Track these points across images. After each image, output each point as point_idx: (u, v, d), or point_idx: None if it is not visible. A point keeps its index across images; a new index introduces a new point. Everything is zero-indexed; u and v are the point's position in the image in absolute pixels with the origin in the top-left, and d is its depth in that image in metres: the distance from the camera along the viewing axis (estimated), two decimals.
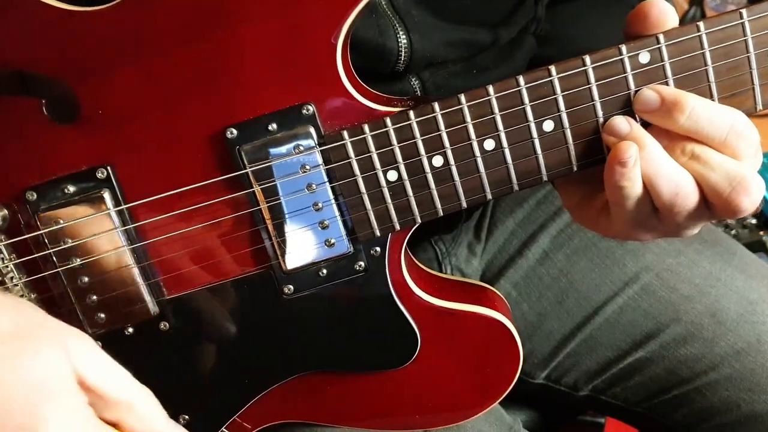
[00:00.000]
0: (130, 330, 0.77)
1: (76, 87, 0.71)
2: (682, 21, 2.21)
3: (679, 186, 0.69)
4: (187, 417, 0.80)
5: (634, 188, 0.70)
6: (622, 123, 0.71)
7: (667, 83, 0.71)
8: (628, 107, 0.71)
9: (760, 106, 0.72)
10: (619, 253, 1.06)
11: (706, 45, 0.70)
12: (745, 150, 0.69)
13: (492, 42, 0.90)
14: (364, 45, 0.79)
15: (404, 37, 0.82)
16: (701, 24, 0.69)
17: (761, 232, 1.84)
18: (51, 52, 0.71)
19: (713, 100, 0.71)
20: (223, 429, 0.82)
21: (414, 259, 0.84)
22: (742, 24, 0.69)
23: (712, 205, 0.71)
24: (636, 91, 0.71)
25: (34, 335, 0.63)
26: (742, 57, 0.70)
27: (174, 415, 0.78)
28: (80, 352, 0.64)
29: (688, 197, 0.70)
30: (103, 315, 0.76)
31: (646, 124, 0.72)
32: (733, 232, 1.82)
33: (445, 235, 1.06)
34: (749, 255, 1.09)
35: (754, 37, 0.69)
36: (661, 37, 0.69)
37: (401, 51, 0.82)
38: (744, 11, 0.69)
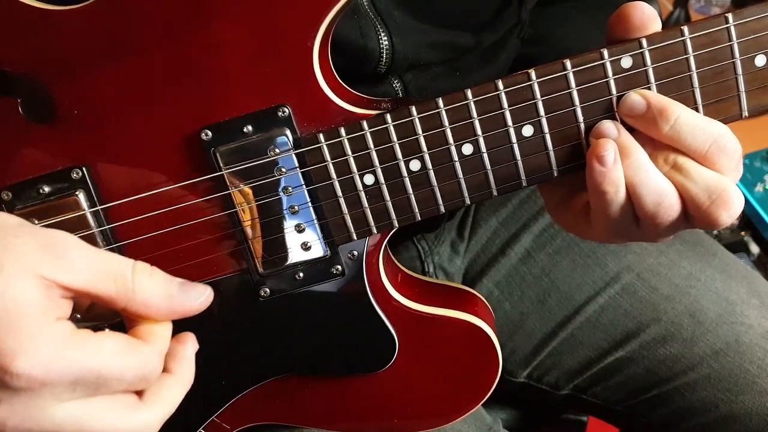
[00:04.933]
0: (107, 330, 0.72)
1: (51, 86, 0.67)
2: (667, 22, 2.18)
3: (662, 196, 0.65)
4: None
5: (617, 194, 0.66)
6: (610, 128, 0.67)
7: (650, 88, 0.66)
8: (609, 112, 0.67)
9: (745, 113, 0.68)
10: (600, 253, 1.03)
11: (690, 50, 0.65)
12: (727, 164, 0.65)
13: (475, 45, 0.87)
14: (345, 46, 0.75)
15: (386, 38, 0.78)
16: (685, 28, 0.65)
17: (743, 233, 1.81)
18: (25, 50, 0.66)
19: (697, 106, 0.67)
20: (200, 430, 0.78)
21: (395, 261, 0.80)
22: (728, 29, 0.65)
23: (692, 217, 0.67)
24: (618, 97, 0.67)
25: None
26: (727, 62, 0.66)
27: None
28: (46, 259, 0.55)
29: (671, 208, 0.66)
30: (78, 315, 0.71)
31: (630, 130, 0.67)
32: (714, 232, 1.79)
33: (427, 234, 1.03)
34: (729, 256, 1.06)
35: (740, 42, 0.65)
36: (644, 42, 0.65)
37: (383, 52, 0.78)
38: (729, 15, 0.64)
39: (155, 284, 0.60)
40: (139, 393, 0.60)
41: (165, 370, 0.62)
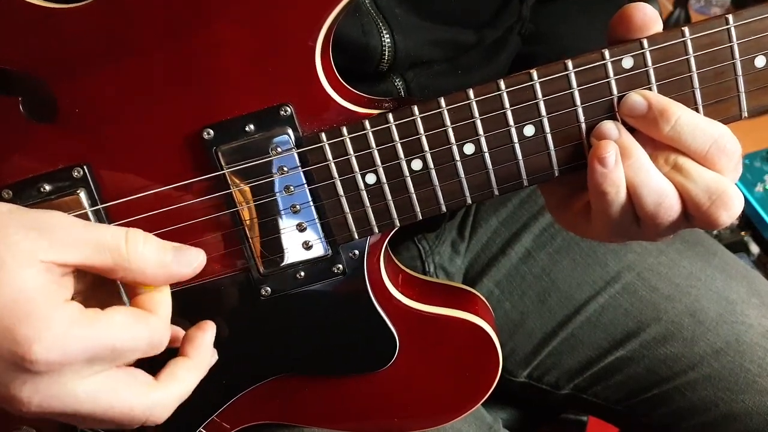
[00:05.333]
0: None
1: (52, 85, 0.67)
2: (667, 22, 2.18)
3: (662, 197, 0.65)
4: None
5: (618, 195, 0.66)
6: (611, 128, 0.67)
7: (650, 89, 0.66)
8: (610, 112, 0.67)
9: (745, 114, 0.67)
10: (601, 253, 1.03)
11: (690, 50, 0.65)
12: (727, 164, 0.66)
13: (476, 42, 0.86)
14: (347, 44, 0.75)
15: (388, 36, 0.77)
16: (686, 29, 0.65)
17: (743, 233, 1.81)
18: (26, 49, 0.66)
19: (698, 106, 0.67)
20: (201, 429, 0.78)
21: (395, 260, 0.80)
22: (728, 30, 0.65)
23: (692, 217, 0.67)
24: (619, 97, 0.67)
25: None
26: (727, 63, 0.66)
27: None
28: (40, 242, 0.57)
29: (671, 208, 0.66)
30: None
31: (630, 130, 0.67)
32: (714, 232, 1.79)
33: (428, 234, 1.02)
34: (729, 255, 1.06)
35: (740, 43, 0.65)
36: (645, 42, 0.65)
37: (385, 50, 0.78)
38: (730, 17, 0.64)
39: (149, 251, 0.62)
40: (156, 374, 0.63)
41: (183, 353, 0.66)
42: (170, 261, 0.63)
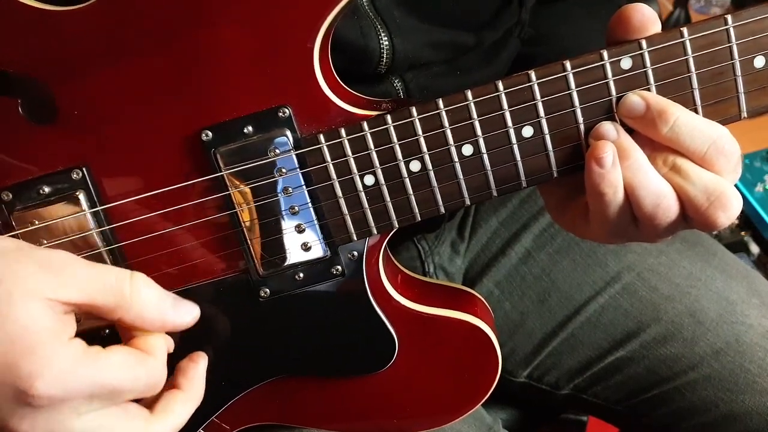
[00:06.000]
0: (107, 332, 0.72)
1: (51, 87, 0.67)
2: (667, 22, 2.18)
3: (660, 198, 0.65)
4: None
5: (615, 195, 0.66)
6: (610, 130, 0.67)
7: (649, 90, 0.66)
8: (609, 113, 0.67)
9: (745, 114, 0.67)
10: (601, 253, 1.03)
11: (689, 51, 0.65)
12: (725, 166, 0.65)
13: (475, 44, 0.86)
14: (345, 46, 0.75)
15: (386, 38, 0.78)
16: (685, 29, 0.65)
17: (743, 233, 1.80)
18: (26, 51, 0.66)
19: (697, 107, 0.67)
20: (200, 430, 0.78)
21: (395, 261, 0.80)
22: (727, 30, 0.64)
23: (690, 218, 0.67)
24: (618, 98, 0.66)
25: None
26: (726, 64, 0.65)
27: None
28: (48, 280, 0.58)
29: (669, 209, 0.66)
30: (79, 317, 0.71)
31: (629, 132, 0.67)
32: (714, 232, 1.78)
33: (428, 234, 1.02)
34: (729, 255, 1.06)
35: (739, 43, 0.65)
36: (644, 43, 0.65)
37: (383, 52, 0.78)
38: (729, 17, 0.64)
39: (150, 296, 0.63)
40: (152, 408, 0.64)
41: (176, 386, 0.67)
42: (168, 309, 0.64)
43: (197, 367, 0.69)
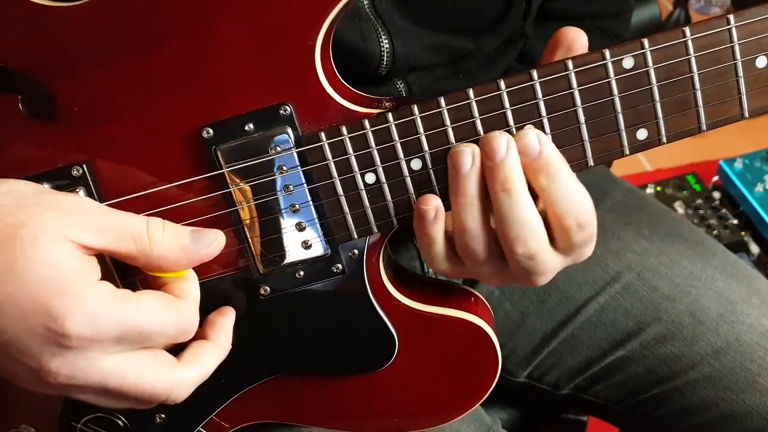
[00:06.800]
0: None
1: (51, 83, 0.67)
2: (667, 22, 2.18)
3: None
4: (163, 416, 0.76)
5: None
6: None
7: (651, 90, 0.66)
8: (610, 113, 0.67)
9: (746, 114, 0.67)
10: (601, 253, 1.03)
11: (691, 51, 0.65)
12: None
13: (475, 49, 0.87)
14: (346, 49, 0.76)
15: (386, 41, 0.78)
16: (687, 29, 0.65)
17: (742, 233, 1.81)
18: (26, 47, 0.66)
19: (699, 108, 0.67)
20: (200, 428, 0.78)
21: (395, 260, 0.80)
22: (729, 30, 0.65)
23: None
24: (621, 97, 0.66)
25: (16, 241, 0.58)
26: (728, 64, 0.66)
27: (150, 415, 0.75)
28: (69, 223, 0.60)
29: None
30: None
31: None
32: (714, 232, 1.79)
33: None
34: (730, 255, 1.06)
35: (741, 43, 0.65)
36: (646, 42, 0.65)
37: (383, 55, 0.79)
38: (731, 17, 0.64)
39: (168, 237, 0.64)
40: (179, 355, 0.65)
41: (204, 337, 0.68)
42: (189, 243, 0.65)
43: (225, 320, 0.70)
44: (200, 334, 0.68)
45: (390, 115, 0.67)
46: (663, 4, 2.15)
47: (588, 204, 0.66)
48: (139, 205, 0.70)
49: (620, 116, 0.67)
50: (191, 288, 0.66)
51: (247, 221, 0.70)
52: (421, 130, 0.68)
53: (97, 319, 0.58)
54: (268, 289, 0.73)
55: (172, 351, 0.66)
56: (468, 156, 0.65)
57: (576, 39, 0.68)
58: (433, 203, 0.67)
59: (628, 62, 0.66)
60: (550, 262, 0.68)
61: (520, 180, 0.65)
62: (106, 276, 0.63)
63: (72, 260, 0.59)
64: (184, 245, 0.65)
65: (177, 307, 0.64)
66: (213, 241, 0.67)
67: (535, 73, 0.66)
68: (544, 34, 0.99)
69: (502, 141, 0.65)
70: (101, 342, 0.59)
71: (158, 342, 0.63)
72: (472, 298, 0.80)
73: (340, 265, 0.73)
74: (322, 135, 0.68)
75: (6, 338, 0.58)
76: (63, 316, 0.57)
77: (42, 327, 0.57)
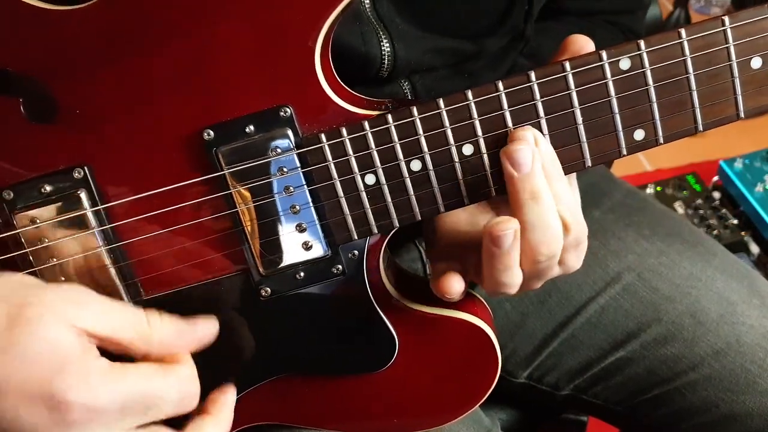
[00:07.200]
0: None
1: (52, 86, 0.68)
2: (667, 22, 2.19)
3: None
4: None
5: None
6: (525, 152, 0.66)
7: (648, 90, 0.67)
8: (608, 114, 0.68)
9: (742, 115, 0.68)
10: (601, 254, 1.03)
11: (687, 52, 0.66)
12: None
13: (477, 52, 0.87)
14: (347, 52, 0.76)
15: (387, 44, 0.79)
16: (683, 31, 0.65)
17: (742, 233, 1.81)
18: (27, 50, 0.67)
19: (695, 108, 0.67)
20: None
21: (396, 261, 0.81)
22: (724, 31, 0.65)
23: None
24: (618, 98, 0.67)
25: (23, 318, 0.60)
26: (723, 65, 0.66)
27: None
28: (74, 310, 0.61)
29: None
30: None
31: None
32: (714, 232, 1.79)
33: None
34: (730, 256, 1.06)
35: (737, 44, 0.65)
36: (642, 44, 0.66)
37: (385, 58, 0.79)
38: (726, 18, 0.65)
39: (168, 324, 0.65)
40: (181, 428, 0.66)
41: (205, 412, 0.69)
42: (187, 328, 0.67)
43: (226, 396, 0.71)
44: (201, 410, 0.69)
45: (389, 117, 0.68)
46: (663, 4, 2.15)
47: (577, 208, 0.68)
48: (139, 207, 0.70)
49: (617, 117, 0.68)
50: (185, 356, 0.66)
51: (248, 223, 0.71)
52: (421, 131, 0.68)
53: (98, 390, 0.59)
54: (268, 290, 0.73)
55: (174, 427, 0.66)
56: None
57: (584, 47, 0.68)
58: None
59: (624, 63, 0.66)
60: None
61: (545, 185, 0.66)
62: (109, 285, 0.66)
63: (73, 339, 0.60)
64: (182, 330, 0.66)
65: (176, 370, 0.64)
66: (209, 326, 0.68)
67: (533, 75, 0.67)
68: (556, 30, 1.00)
69: (527, 153, 0.65)
70: (105, 414, 0.59)
71: (162, 409, 0.63)
72: (472, 300, 0.80)
73: (340, 266, 0.73)
74: (322, 136, 0.68)
75: (9, 417, 0.58)
76: (65, 390, 0.58)
77: (44, 402, 0.58)
